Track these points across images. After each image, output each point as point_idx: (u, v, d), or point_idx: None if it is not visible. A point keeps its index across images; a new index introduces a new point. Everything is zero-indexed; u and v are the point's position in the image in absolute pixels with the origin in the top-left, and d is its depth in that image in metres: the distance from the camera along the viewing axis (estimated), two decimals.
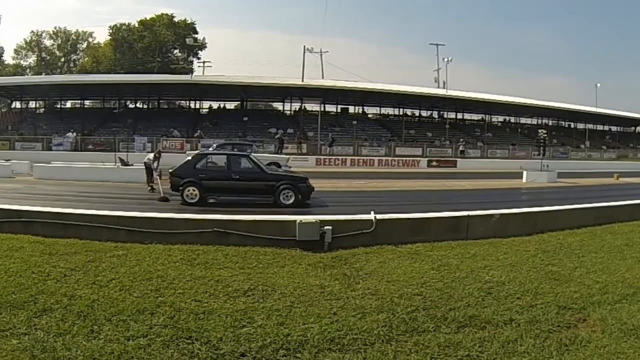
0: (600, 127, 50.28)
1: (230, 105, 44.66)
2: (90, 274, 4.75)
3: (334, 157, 29.83)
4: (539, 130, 24.59)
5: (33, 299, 4.02)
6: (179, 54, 55.30)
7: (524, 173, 19.45)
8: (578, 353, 3.45)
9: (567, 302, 4.39)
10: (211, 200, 10.81)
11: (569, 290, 4.68)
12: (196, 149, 23.52)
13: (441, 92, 41.35)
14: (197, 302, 4.11)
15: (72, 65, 56.54)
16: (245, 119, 38.16)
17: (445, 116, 46.05)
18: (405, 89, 40.13)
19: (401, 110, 46.30)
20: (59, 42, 56.26)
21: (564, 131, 48.56)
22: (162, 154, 13.51)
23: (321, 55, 43.44)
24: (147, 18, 53.56)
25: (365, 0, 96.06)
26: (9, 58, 54.95)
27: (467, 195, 14.88)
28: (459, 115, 47.24)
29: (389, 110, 46.56)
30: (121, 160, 17.03)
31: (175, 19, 53.61)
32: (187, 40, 48.77)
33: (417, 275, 5.05)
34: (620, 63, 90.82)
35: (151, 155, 13.08)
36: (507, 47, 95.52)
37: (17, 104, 43.04)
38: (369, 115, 45.27)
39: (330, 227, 6.15)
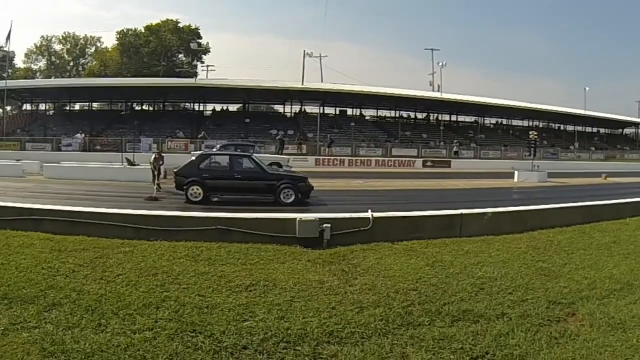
0: (589, 129, 50.99)
1: (233, 107, 45.14)
2: (98, 269, 4.81)
3: (332, 158, 30.10)
4: (530, 132, 24.86)
5: (43, 293, 4.08)
6: (184, 58, 56.11)
7: (516, 173, 19.69)
8: (567, 346, 3.51)
9: (556, 297, 4.46)
10: (214, 199, 10.92)
11: (558, 286, 4.76)
12: (200, 150, 23.69)
13: (436, 95, 41.70)
14: (201, 297, 4.17)
15: (80, 69, 57.23)
16: (247, 120, 38.63)
17: (439, 118, 46.53)
18: (402, 92, 40.51)
19: (397, 112, 46.80)
20: (68, 47, 57.11)
21: (554, 133, 49.17)
22: (168, 154, 13.82)
23: (320, 59, 43.84)
24: (153, 23, 54.38)
25: (364, 6, 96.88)
26: (19, 62, 55.65)
27: (460, 195, 15.02)
28: (453, 117, 47.74)
29: (386, 113, 47.06)
30: (128, 161, 17.24)
31: (180, 25, 54.29)
32: (191, 45, 49.80)
33: (412, 271, 5.11)
34: (608, 67, 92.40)
35: (152, 158, 13.32)
36: (500, 52, 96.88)
37: (27, 106, 43.77)
38: (367, 117, 45.65)
39: (329, 225, 6.23)
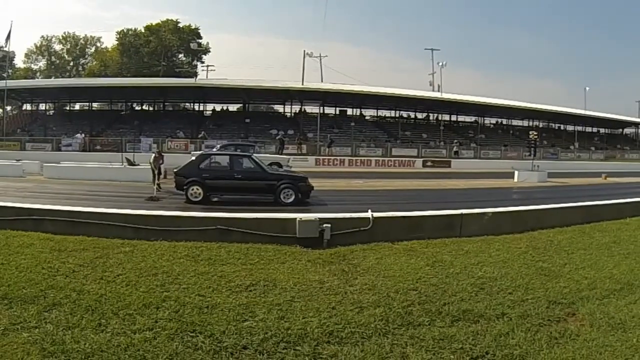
0: (589, 129, 51.08)
1: (233, 107, 45.31)
2: (98, 269, 4.81)
3: (332, 158, 30.18)
4: (530, 132, 24.90)
5: (43, 293, 4.08)
6: (184, 58, 56.41)
7: (516, 173, 19.70)
8: (567, 346, 3.51)
9: (556, 297, 4.46)
10: (214, 199, 10.93)
11: (558, 286, 4.76)
12: (200, 150, 23.77)
13: (436, 95, 41.77)
14: (201, 297, 4.17)
15: (80, 69, 57.53)
16: (248, 120, 38.76)
17: (439, 118, 46.57)
18: (402, 92, 40.59)
19: (397, 112, 46.88)
20: (68, 47, 57.42)
21: (554, 133, 49.22)
22: (168, 154, 13.85)
23: (320, 59, 43.95)
24: (153, 23, 54.63)
25: (364, 6, 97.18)
26: (19, 62, 55.89)
27: (460, 195, 15.05)
28: (453, 117, 47.79)
29: (386, 113, 47.15)
30: (128, 161, 17.32)
31: (180, 25, 54.52)
32: (191, 45, 50.09)
33: (412, 271, 5.11)
34: (608, 67, 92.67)
35: (152, 157, 13.37)
36: (500, 52, 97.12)
37: (27, 106, 43.98)
38: (367, 117, 45.74)
39: (329, 225, 6.24)
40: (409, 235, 6.50)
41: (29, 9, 75.82)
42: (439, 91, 42.64)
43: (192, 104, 45.40)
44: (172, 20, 54.85)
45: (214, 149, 19.40)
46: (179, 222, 6.42)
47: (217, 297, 4.20)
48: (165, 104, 44.26)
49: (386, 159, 31.00)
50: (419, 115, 48.22)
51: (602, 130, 52.44)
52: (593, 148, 45.43)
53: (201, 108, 44.24)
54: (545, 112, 45.46)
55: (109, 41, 59.67)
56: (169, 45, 53.74)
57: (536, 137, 23.51)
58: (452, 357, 3.36)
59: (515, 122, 49.42)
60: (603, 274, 5.21)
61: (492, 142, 41.80)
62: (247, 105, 44.32)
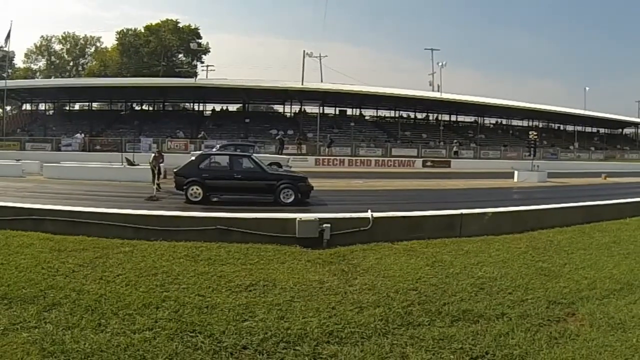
0: (588, 129, 51.18)
1: (233, 107, 45.42)
2: (98, 269, 4.81)
3: (332, 158, 30.22)
4: (530, 132, 24.94)
5: (43, 293, 4.08)
6: (184, 58, 56.54)
7: (516, 173, 19.72)
8: (567, 346, 3.50)
9: (556, 297, 4.46)
10: (214, 199, 10.93)
11: (558, 286, 4.75)
12: (200, 150, 23.80)
13: (435, 95, 41.81)
14: (201, 297, 4.17)
15: (80, 69, 57.66)
16: (247, 120, 38.87)
17: (439, 118, 46.61)
18: (401, 92, 40.64)
19: (397, 112, 46.91)
20: (68, 47, 57.58)
21: (553, 133, 49.30)
22: (168, 154, 13.85)
23: (320, 59, 43.95)
24: (153, 23, 54.77)
25: (364, 6, 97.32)
26: (19, 62, 56.03)
27: (460, 195, 15.05)
28: (453, 118, 47.83)
29: (386, 113, 47.23)
30: (127, 161, 17.34)
31: (180, 25, 54.68)
32: (191, 45, 50.24)
33: (412, 271, 5.10)
34: (608, 67, 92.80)
35: (152, 157, 13.40)
36: (500, 52, 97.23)
37: (27, 106, 44.10)
38: (366, 117, 45.82)
39: (328, 225, 6.23)
40: (409, 235, 6.50)
41: (29, 9, 76.04)
42: (438, 91, 42.69)
43: (192, 104, 45.53)
44: (172, 20, 55.14)
45: (214, 149, 19.39)
46: (179, 222, 6.41)
47: (216, 297, 4.20)
48: (165, 104, 44.37)
49: (386, 159, 31.04)
50: (419, 115, 48.31)
51: (601, 130, 52.52)
52: (593, 148, 45.51)
53: (201, 108, 44.39)
54: (545, 112, 45.55)
55: (109, 41, 59.95)
56: (169, 45, 53.89)
57: (536, 137, 23.53)
58: (451, 357, 3.36)
59: (515, 122, 49.53)
60: (603, 274, 5.21)
61: (492, 142, 41.87)
62: (246, 105, 44.43)
